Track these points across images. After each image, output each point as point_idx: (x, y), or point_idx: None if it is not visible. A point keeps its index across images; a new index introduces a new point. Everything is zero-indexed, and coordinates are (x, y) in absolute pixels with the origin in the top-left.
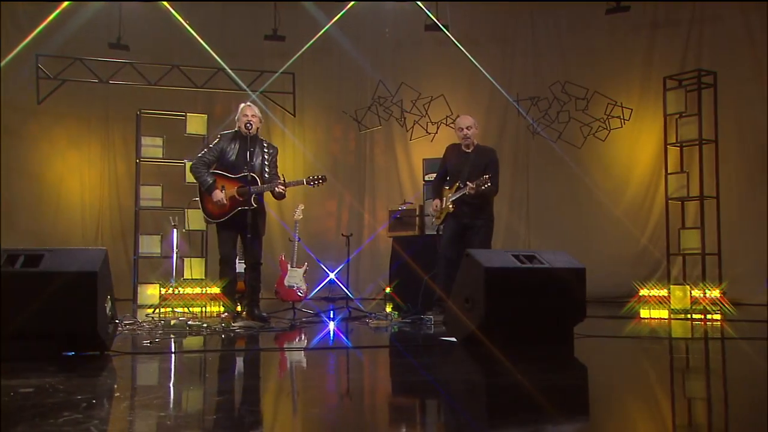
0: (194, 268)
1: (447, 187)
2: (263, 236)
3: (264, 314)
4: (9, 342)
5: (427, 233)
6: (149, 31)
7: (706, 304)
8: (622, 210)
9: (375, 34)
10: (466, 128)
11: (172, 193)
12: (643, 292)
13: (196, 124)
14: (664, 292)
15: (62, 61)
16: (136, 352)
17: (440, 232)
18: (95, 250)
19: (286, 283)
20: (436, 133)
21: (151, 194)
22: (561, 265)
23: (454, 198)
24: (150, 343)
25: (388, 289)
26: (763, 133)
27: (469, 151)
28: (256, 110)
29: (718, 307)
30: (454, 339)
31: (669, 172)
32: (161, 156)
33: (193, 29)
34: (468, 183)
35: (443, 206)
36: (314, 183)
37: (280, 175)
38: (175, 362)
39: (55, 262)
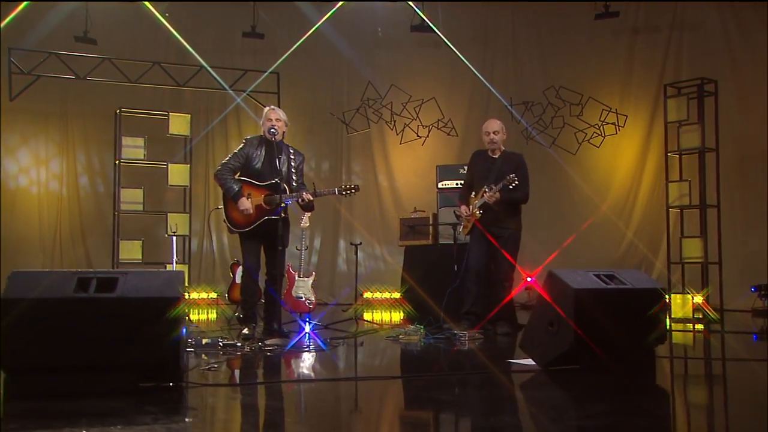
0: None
1: (473, 195)
2: (287, 247)
3: (285, 330)
4: (81, 375)
5: (441, 242)
6: (121, 26)
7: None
8: (602, 215)
9: (363, 34)
10: (493, 133)
11: (153, 197)
12: None
13: (179, 124)
14: None
15: (36, 56)
16: (217, 384)
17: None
18: (172, 272)
19: (293, 293)
20: (427, 136)
21: (132, 197)
22: (642, 285)
23: (480, 203)
24: (208, 369)
25: (397, 294)
26: (737, 141)
27: (496, 156)
28: (281, 114)
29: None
30: (530, 362)
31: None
32: (143, 157)
33: (168, 23)
34: (493, 186)
35: (470, 213)
36: (347, 193)
37: (309, 183)
38: (282, 396)
39: (132, 286)
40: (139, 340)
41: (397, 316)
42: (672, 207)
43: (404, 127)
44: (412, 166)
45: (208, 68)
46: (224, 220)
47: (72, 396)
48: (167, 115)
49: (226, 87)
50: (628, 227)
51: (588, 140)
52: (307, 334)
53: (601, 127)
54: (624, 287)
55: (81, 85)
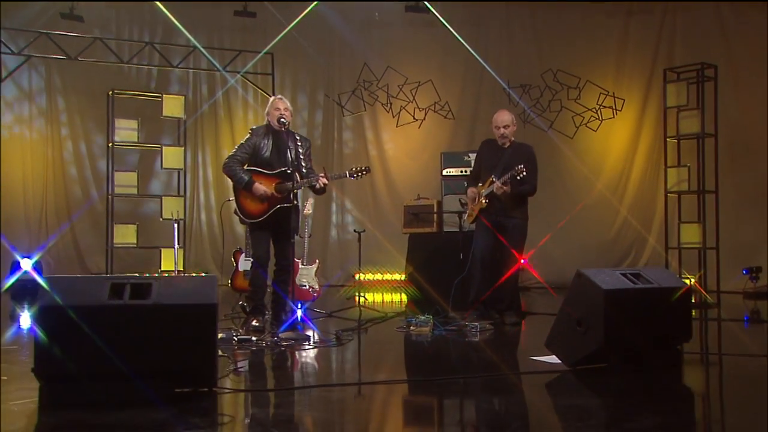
0: (168, 258)
1: (480, 184)
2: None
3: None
4: (116, 382)
5: (446, 230)
6: (106, 3)
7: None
8: (595, 198)
9: (358, 12)
10: (504, 127)
11: (147, 179)
12: None
13: (172, 106)
14: None
15: (26, 36)
16: (251, 389)
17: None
18: (206, 277)
19: (297, 281)
20: (424, 119)
21: (126, 181)
22: (668, 283)
23: (487, 192)
24: (236, 371)
25: (404, 276)
26: (731, 126)
27: (506, 147)
28: (288, 103)
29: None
30: (553, 359)
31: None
32: (137, 140)
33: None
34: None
35: (477, 202)
36: (357, 175)
37: (319, 168)
38: (316, 402)
39: (167, 292)
40: (175, 346)
41: (390, 297)
42: (671, 192)
43: (400, 110)
44: (404, 147)
45: (201, 49)
46: (235, 212)
47: (108, 405)
48: (161, 97)
49: (220, 68)
50: (622, 204)
51: (585, 124)
52: (299, 318)
53: (599, 111)
54: (651, 286)
55: (69, 66)
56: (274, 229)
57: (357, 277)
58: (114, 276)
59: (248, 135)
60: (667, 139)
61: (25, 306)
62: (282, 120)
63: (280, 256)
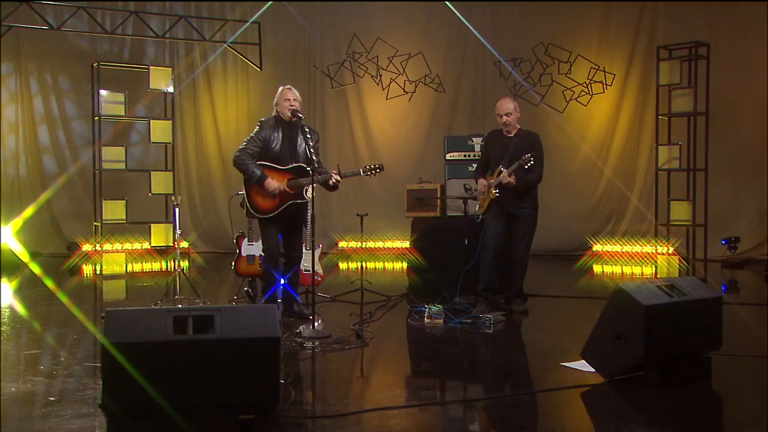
0: (158, 234)
1: (489, 175)
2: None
3: (306, 311)
4: (181, 416)
5: (449, 214)
6: None
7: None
8: (576, 168)
9: None
10: (506, 115)
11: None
12: (597, 247)
13: (159, 77)
14: (617, 248)
15: (6, 5)
16: (315, 416)
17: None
18: (265, 307)
19: (301, 267)
20: (414, 92)
21: (114, 155)
22: (702, 294)
23: (496, 183)
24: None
25: (407, 243)
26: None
27: (512, 135)
28: (297, 93)
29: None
30: (582, 365)
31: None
32: (124, 113)
33: None
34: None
35: (488, 193)
36: (371, 173)
37: (332, 164)
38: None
39: (230, 325)
40: (238, 379)
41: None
42: (661, 170)
43: (390, 82)
44: (387, 115)
45: (187, 18)
46: (241, 204)
47: None
48: (147, 69)
49: (205, 36)
50: (605, 172)
51: (576, 99)
52: (281, 288)
53: (589, 86)
54: (688, 299)
55: (51, 36)
56: (284, 223)
57: (339, 245)
58: (175, 308)
59: (257, 127)
60: (659, 117)
61: None
62: (296, 111)
63: (289, 248)
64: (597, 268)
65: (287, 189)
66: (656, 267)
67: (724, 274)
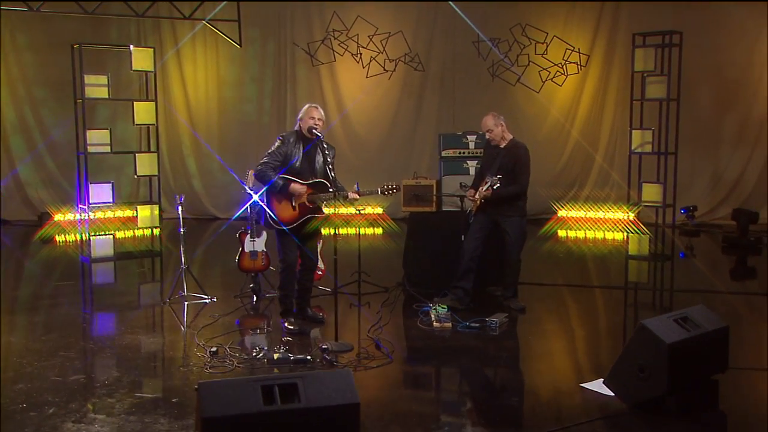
0: (144, 214)
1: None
2: None
3: (319, 315)
4: None
5: (444, 209)
6: None
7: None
8: (544, 135)
9: None
10: (487, 131)
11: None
12: (562, 213)
13: (142, 58)
14: (581, 213)
15: None
16: None
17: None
18: (342, 372)
19: None
20: (394, 70)
21: (99, 139)
22: (714, 326)
23: (482, 194)
24: None
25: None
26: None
27: (502, 146)
28: (322, 112)
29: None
30: (600, 386)
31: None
32: (107, 96)
33: None
34: (490, 179)
35: (477, 198)
36: (388, 192)
37: (350, 182)
38: None
39: (313, 393)
40: None
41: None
42: (634, 153)
43: (370, 61)
44: (360, 84)
45: None
46: (256, 219)
47: None
48: (129, 49)
49: (184, 14)
50: (571, 134)
51: (551, 79)
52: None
53: (564, 66)
54: (702, 332)
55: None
56: (302, 234)
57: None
58: (261, 377)
59: (278, 142)
60: (633, 102)
61: None
62: (314, 130)
63: (305, 257)
64: (562, 233)
65: (307, 203)
66: (628, 236)
67: (681, 241)
